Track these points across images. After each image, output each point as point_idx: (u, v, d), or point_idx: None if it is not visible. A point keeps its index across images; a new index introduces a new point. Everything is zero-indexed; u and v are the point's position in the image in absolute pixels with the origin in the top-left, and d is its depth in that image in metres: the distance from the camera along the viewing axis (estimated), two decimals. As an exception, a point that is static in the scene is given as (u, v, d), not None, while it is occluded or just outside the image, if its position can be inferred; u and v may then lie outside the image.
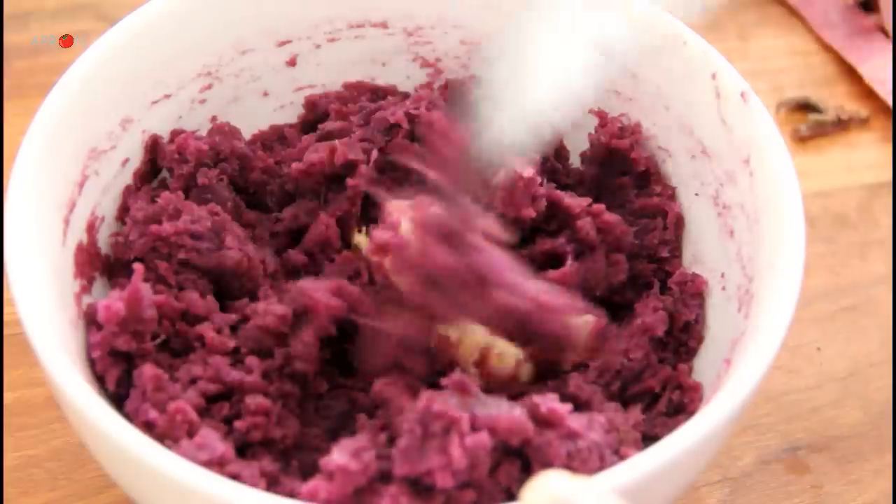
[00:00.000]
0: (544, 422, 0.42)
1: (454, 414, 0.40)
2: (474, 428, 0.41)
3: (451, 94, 0.54)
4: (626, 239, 0.53)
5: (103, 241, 0.51)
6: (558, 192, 0.53)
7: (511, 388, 0.48)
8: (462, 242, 0.47)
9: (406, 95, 0.58)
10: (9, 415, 0.55)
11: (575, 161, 0.57)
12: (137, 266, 0.46)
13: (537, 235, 0.53)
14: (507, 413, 0.42)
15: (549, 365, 0.49)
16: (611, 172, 0.55)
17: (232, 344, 0.47)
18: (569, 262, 0.51)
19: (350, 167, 0.53)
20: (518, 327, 0.48)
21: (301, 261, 0.53)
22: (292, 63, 0.58)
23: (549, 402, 0.43)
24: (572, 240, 0.52)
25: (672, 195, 0.55)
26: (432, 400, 0.41)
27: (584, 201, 0.53)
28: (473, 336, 0.49)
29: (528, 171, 0.52)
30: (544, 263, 0.52)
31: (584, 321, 0.49)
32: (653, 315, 0.51)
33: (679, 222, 0.55)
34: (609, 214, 0.53)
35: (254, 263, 0.51)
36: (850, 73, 0.75)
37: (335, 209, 0.53)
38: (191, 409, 0.44)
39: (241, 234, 0.51)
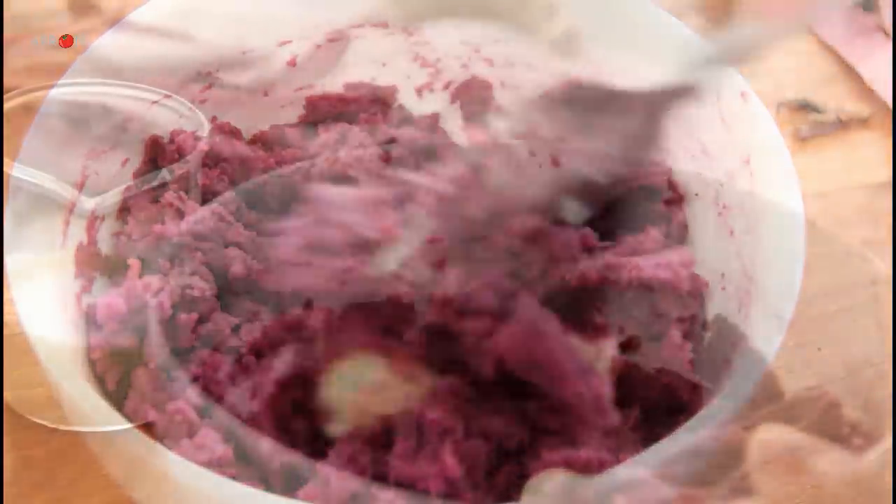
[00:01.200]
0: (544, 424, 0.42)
1: (448, 423, 0.40)
2: (469, 434, 0.41)
3: None
4: None
5: (103, 241, 0.51)
6: None
7: None
8: None
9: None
10: (9, 415, 0.55)
11: (575, 161, 0.57)
12: (133, 262, 0.46)
13: None
14: (503, 417, 0.41)
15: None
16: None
17: (233, 344, 0.47)
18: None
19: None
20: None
21: None
22: (292, 63, 0.58)
23: (549, 402, 0.43)
24: None
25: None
26: (427, 407, 0.41)
27: None
28: None
29: None
30: None
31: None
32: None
33: (679, 222, 0.55)
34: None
35: (256, 266, 0.51)
36: (850, 73, 0.75)
37: None
38: (191, 409, 0.44)
39: (245, 235, 0.51)
